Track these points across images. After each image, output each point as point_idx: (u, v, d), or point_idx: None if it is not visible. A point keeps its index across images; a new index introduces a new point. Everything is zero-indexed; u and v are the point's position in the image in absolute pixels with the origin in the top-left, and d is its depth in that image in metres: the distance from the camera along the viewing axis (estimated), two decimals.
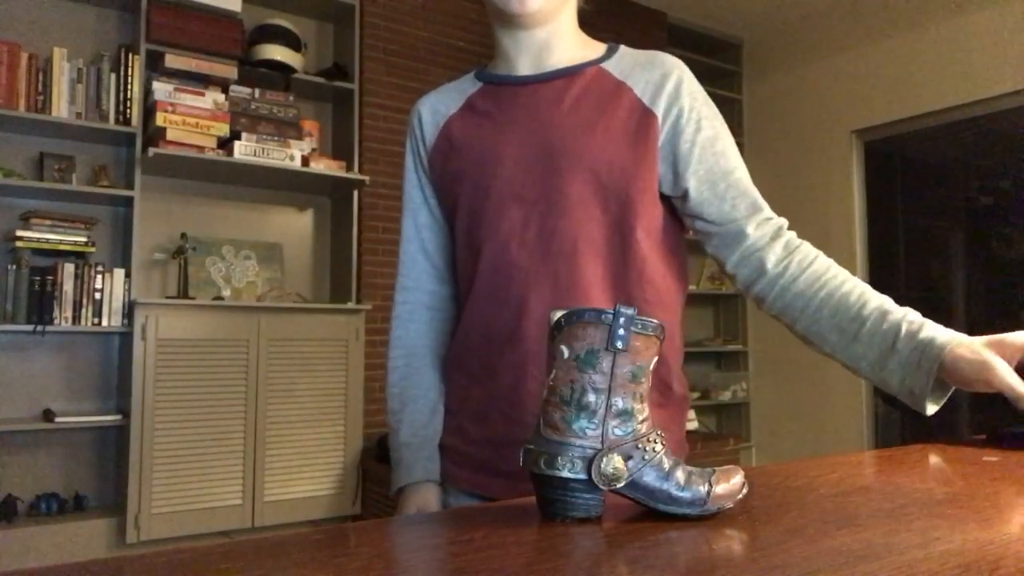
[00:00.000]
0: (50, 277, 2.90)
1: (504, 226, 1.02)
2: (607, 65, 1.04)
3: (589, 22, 1.10)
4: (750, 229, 1.01)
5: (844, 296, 0.98)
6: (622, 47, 1.08)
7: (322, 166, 3.41)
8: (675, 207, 1.06)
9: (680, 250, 1.08)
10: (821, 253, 1.03)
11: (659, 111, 1.00)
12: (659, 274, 1.03)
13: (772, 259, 1.01)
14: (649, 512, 0.65)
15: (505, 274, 1.01)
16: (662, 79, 1.01)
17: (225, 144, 3.21)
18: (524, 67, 1.06)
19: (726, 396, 4.97)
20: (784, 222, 1.05)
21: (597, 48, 1.08)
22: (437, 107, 1.12)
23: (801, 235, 1.05)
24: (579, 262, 0.99)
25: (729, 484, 0.65)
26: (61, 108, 2.97)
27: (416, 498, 1.06)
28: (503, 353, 1.00)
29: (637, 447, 0.64)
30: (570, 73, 1.04)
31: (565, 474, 0.63)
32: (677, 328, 1.07)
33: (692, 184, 1.01)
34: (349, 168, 3.55)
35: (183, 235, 3.24)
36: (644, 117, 1.00)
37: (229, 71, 3.28)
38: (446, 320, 1.16)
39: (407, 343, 1.14)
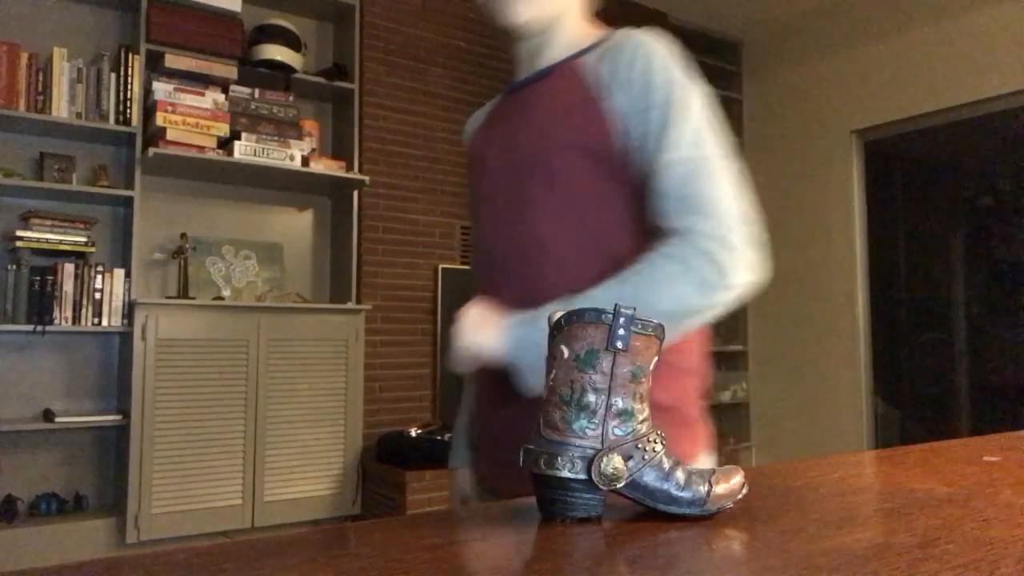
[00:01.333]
0: (50, 277, 2.90)
1: (486, 237, 1.05)
2: (587, 57, 0.98)
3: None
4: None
5: None
6: (618, 33, 0.99)
7: (322, 166, 3.41)
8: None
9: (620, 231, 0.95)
10: None
11: (611, 100, 0.91)
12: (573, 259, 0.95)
13: None
14: (649, 512, 0.65)
15: (484, 289, 1.04)
16: (615, 62, 0.93)
17: (225, 144, 3.21)
18: (522, 73, 1.09)
19: (726, 396, 4.97)
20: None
21: (591, 40, 1.02)
22: (472, 124, 1.19)
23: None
24: (542, 269, 0.95)
25: (729, 484, 0.65)
26: (61, 108, 2.97)
27: (455, 481, 1.18)
28: None
29: (637, 447, 0.64)
30: (548, 74, 1.02)
31: (565, 474, 0.63)
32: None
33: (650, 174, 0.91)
34: (349, 168, 3.55)
35: (183, 235, 3.24)
36: (597, 112, 0.92)
37: (229, 71, 3.28)
38: None
39: None
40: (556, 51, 1.04)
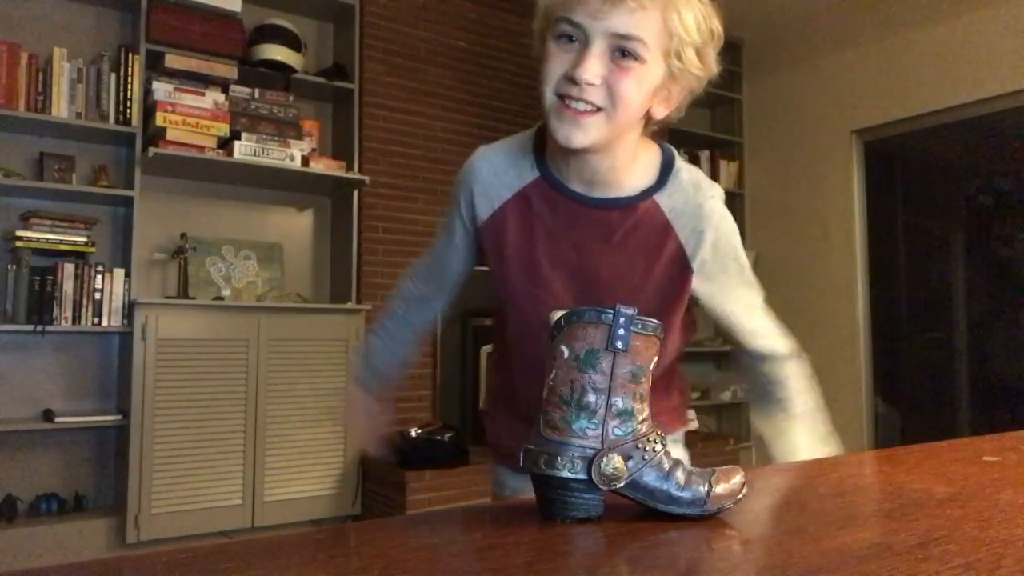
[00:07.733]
0: (50, 277, 2.90)
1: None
2: (660, 198, 1.04)
3: None
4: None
5: None
6: (676, 168, 1.05)
7: (322, 166, 3.41)
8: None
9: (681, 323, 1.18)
10: None
11: (695, 265, 1.05)
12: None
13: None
14: (649, 512, 0.65)
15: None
16: (703, 233, 1.04)
17: (225, 144, 3.21)
18: (576, 183, 1.04)
19: (726, 396, 4.97)
20: None
21: (651, 165, 1.05)
22: (493, 182, 1.08)
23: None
24: None
25: (729, 484, 0.65)
26: (61, 108, 2.97)
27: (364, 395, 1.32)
28: None
29: (637, 447, 0.64)
30: (624, 206, 1.03)
31: (565, 474, 0.63)
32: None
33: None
34: (349, 168, 3.54)
35: (183, 235, 3.24)
36: (683, 271, 1.05)
37: (229, 71, 3.27)
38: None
39: None
40: (622, 178, 1.03)
